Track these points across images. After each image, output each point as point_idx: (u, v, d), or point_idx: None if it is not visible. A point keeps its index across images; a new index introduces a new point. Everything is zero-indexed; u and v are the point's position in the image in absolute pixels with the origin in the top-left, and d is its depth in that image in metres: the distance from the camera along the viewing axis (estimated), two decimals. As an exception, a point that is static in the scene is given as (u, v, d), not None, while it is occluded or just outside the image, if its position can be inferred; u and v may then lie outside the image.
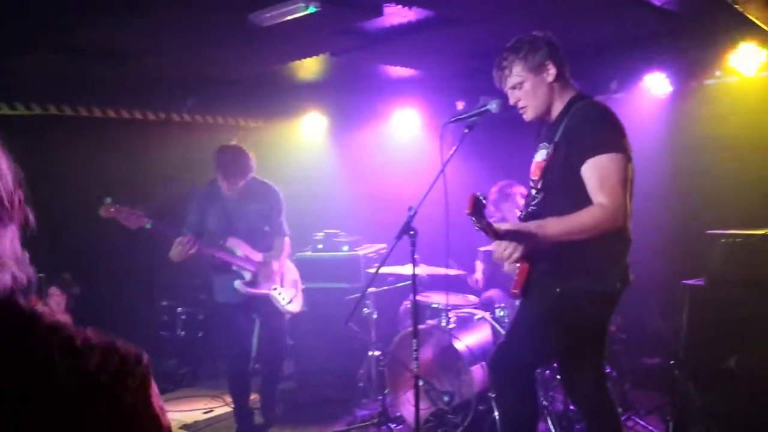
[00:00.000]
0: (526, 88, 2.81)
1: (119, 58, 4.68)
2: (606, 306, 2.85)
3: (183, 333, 5.90)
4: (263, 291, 4.39)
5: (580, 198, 2.63)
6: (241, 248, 4.31)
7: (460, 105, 5.91)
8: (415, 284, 3.21)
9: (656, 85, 5.01)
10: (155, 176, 5.66)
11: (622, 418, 4.24)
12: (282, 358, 4.69)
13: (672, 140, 5.09)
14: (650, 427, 4.12)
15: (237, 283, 4.26)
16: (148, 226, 3.94)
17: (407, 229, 3.04)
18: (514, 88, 2.84)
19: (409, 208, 3.04)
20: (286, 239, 4.58)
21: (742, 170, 4.71)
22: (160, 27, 4.05)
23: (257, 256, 4.38)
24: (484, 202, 2.48)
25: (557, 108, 2.83)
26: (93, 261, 4.33)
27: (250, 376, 4.49)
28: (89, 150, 5.31)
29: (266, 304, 4.42)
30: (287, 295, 4.54)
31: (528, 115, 2.88)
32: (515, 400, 2.82)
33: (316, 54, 4.88)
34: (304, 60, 5.00)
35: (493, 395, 2.87)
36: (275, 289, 4.45)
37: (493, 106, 2.93)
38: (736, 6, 3.45)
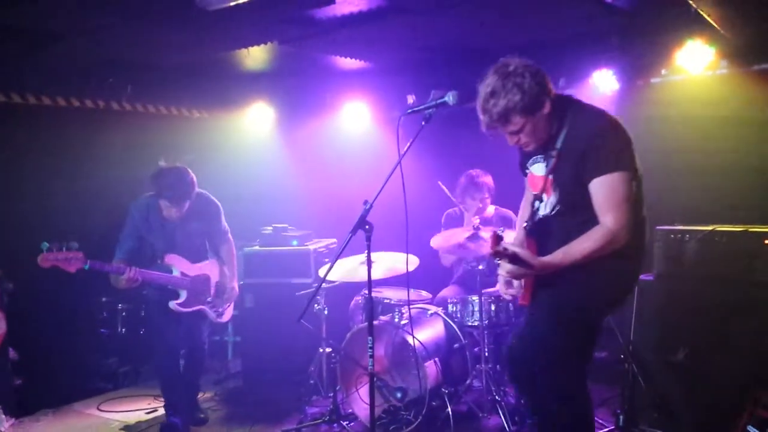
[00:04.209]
0: (528, 130, 2.70)
1: (52, 39, 4.42)
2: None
3: (124, 330, 5.68)
4: (197, 308, 4.43)
5: (591, 213, 2.64)
6: (179, 265, 4.36)
7: (411, 98, 5.86)
8: (370, 279, 3.13)
9: (603, 82, 5.06)
10: (93, 167, 5.40)
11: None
12: (201, 357, 4.60)
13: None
14: (600, 420, 4.15)
15: (171, 304, 4.32)
16: (86, 267, 3.99)
17: (363, 223, 2.96)
18: (513, 133, 2.73)
19: (365, 202, 2.97)
20: (230, 238, 4.64)
21: (688, 167, 4.79)
22: (98, 5, 3.83)
23: (194, 270, 4.42)
24: (502, 235, 2.56)
25: (553, 126, 2.76)
26: (27, 254, 4.12)
27: (179, 373, 4.44)
28: (23, 140, 5.02)
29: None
30: (220, 308, 4.58)
31: (531, 148, 2.81)
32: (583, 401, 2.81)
33: (264, 42, 4.73)
34: (251, 48, 4.85)
35: (559, 403, 2.80)
36: (209, 302, 4.50)
37: (449, 98, 2.91)
38: (691, 1, 3.49)
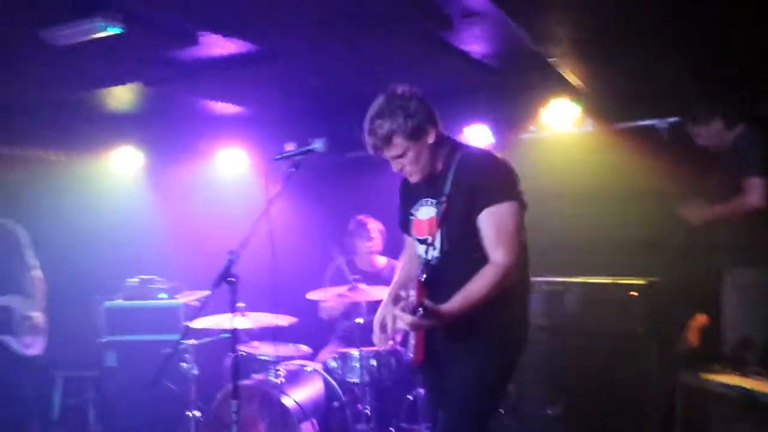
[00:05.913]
0: (410, 156, 2.68)
1: None
2: None
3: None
4: None
5: (480, 252, 2.60)
6: None
7: (290, 146, 5.70)
8: (236, 337, 2.91)
9: (480, 136, 5.13)
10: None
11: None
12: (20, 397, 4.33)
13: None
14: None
15: None
16: None
17: (226, 275, 2.75)
18: (395, 157, 2.70)
19: (230, 252, 2.76)
20: (37, 273, 4.39)
21: (559, 220, 4.90)
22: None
23: None
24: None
25: (438, 163, 2.74)
26: None
27: None
28: None
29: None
30: (26, 338, 4.30)
31: (415, 179, 2.76)
32: None
33: (126, 82, 4.45)
34: (113, 88, 4.54)
35: None
36: (9, 334, 4.23)
37: (318, 145, 2.88)
38: (551, 61, 3.61)
